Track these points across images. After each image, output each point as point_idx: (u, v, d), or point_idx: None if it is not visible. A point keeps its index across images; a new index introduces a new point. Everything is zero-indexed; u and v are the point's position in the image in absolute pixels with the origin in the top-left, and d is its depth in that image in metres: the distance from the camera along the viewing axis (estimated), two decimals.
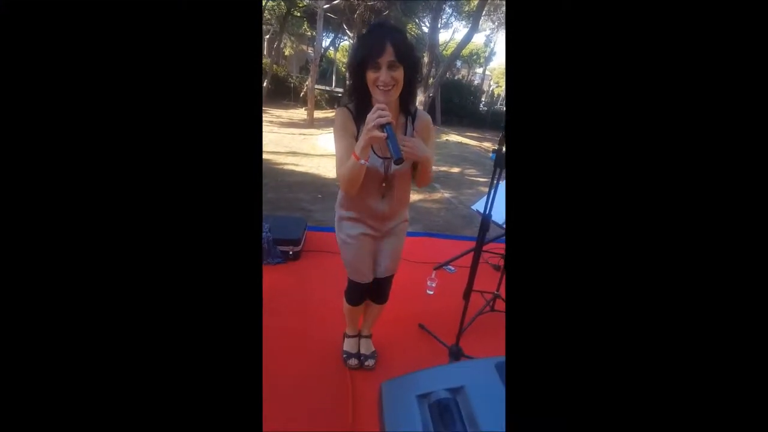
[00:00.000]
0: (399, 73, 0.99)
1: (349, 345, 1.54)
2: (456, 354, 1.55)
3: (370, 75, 0.99)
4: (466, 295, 1.53)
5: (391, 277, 1.36)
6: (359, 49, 1.02)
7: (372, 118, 0.92)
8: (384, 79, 0.97)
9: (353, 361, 1.49)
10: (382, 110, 0.91)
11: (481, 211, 1.44)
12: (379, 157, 1.10)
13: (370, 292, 1.39)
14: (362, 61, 0.99)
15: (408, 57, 0.99)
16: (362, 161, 0.99)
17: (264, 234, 2.15)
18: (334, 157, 1.11)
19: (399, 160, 0.93)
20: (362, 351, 1.55)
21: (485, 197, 1.43)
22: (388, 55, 0.96)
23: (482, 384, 0.77)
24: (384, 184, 1.13)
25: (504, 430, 0.47)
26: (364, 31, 1.10)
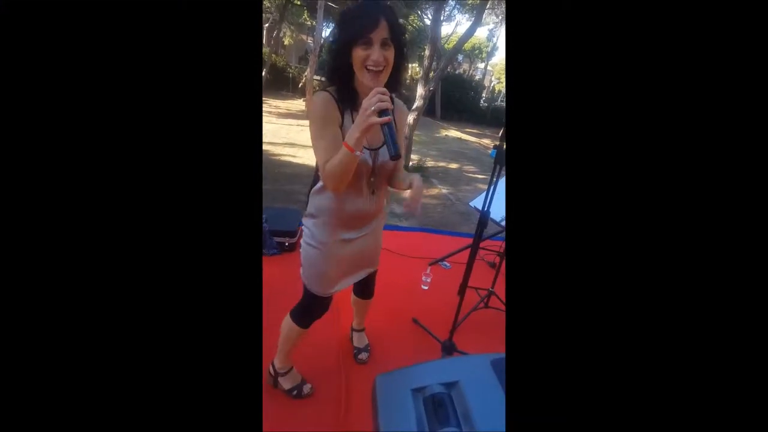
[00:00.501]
0: (390, 54, 0.87)
1: (290, 381, 1.30)
2: (449, 349, 1.56)
3: (359, 53, 0.84)
4: (461, 291, 1.53)
5: (376, 271, 1.30)
6: (346, 24, 0.87)
7: (372, 102, 0.78)
8: (376, 57, 0.84)
9: (301, 391, 1.30)
10: (383, 94, 0.79)
11: (479, 207, 1.44)
12: (366, 148, 0.96)
13: (356, 289, 1.36)
14: (351, 37, 0.85)
15: (399, 38, 0.88)
16: (357, 153, 0.83)
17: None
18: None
19: (396, 156, 0.82)
20: (356, 344, 1.55)
21: (483, 194, 1.43)
22: (382, 31, 0.83)
23: (477, 380, 0.77)
24: (372, 179, 1.00)
25: (499, 426, 0.48)
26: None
